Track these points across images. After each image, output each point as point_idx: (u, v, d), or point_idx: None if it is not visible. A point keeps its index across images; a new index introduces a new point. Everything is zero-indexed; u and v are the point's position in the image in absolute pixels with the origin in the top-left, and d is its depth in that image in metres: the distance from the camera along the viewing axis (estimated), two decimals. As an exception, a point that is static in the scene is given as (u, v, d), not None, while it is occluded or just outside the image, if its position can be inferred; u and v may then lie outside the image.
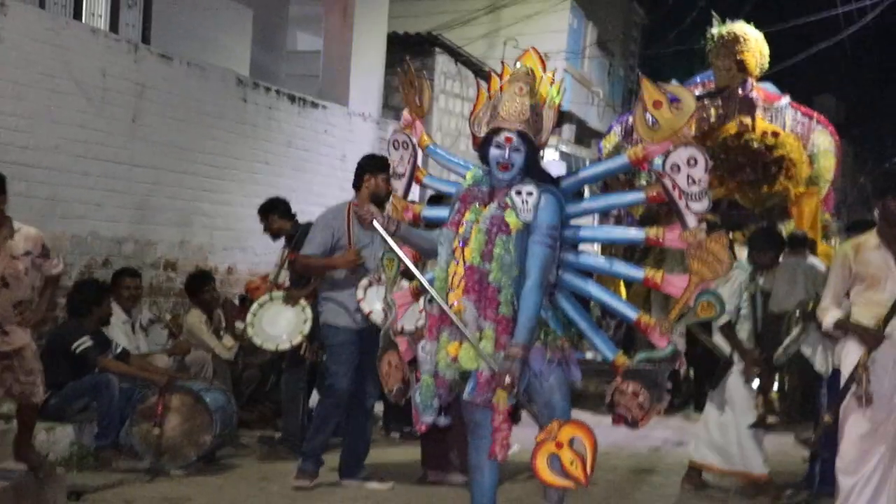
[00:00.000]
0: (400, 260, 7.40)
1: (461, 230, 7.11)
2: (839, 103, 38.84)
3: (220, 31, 15.01)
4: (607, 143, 16.34)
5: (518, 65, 7.34)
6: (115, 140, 11.39)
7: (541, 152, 7.37)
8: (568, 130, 26.31)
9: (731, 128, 14.46)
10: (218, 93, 12.76)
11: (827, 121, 15.31)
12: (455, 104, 21.12)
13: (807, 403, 11.94)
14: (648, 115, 7.05)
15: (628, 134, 15.48)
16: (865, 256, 8.04)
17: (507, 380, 6.80)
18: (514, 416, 7.09)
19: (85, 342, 10.03)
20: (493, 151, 7.01)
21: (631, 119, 14.37)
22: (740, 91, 14.61)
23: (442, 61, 20.91)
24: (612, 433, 9.01)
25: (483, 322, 7.01)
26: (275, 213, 11.16)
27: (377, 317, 8.69)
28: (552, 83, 7.35)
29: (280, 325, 10.15)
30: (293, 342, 10.12)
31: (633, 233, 7.86)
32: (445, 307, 7.00)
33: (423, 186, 8.07)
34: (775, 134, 14.27)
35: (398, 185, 7.94)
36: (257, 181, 12.52)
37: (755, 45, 14.89)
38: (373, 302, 8.80)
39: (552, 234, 7.00)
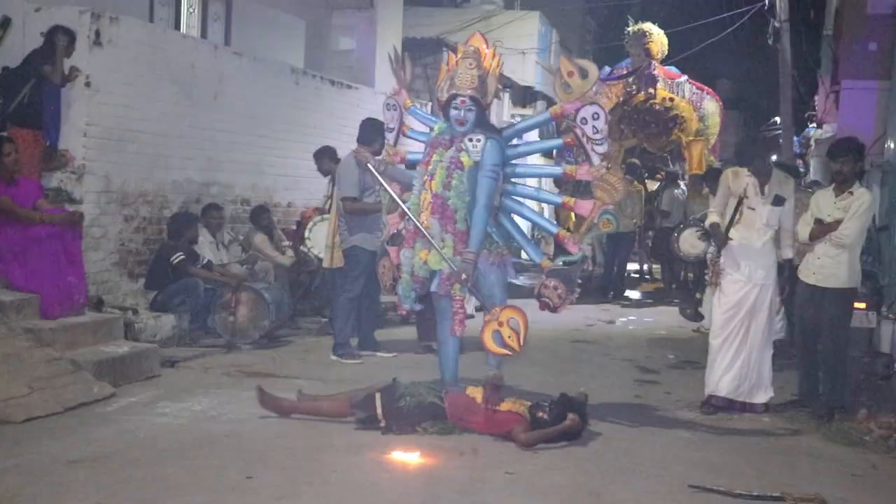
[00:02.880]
0: (388, 192, 7.46)
1: (429, 167, 7.17)
2: (733, 84, 39.35)
3: (282, 36, 15.07)
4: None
5: (468, 45, 7.33)
6: (201, 113, 11.47)
7: (487, 109, 7.36)
8: (540, 105, 26.15)
9: (641, 97, 14.72)
10: (276, 78, 12.80)
11: (714, 92, 15.63)
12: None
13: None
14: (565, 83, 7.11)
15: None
16: (740, 180, 7.99)
17: (463, 276, 6.96)
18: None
19: (179, 256, 10.23)
20: (452, 112, 7.12)
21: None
22: (647, 70, 14.59)
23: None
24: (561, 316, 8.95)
25: (445, 235, 7.13)
26: (325, 156, 11.17)
27: None
28: (493, 58, 7.32)
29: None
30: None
31: (554, 169, 7.85)
32: (418, 223, 7.09)
33: (407, 137, 8.05)
34: (671, 99, 14.67)
35: (390, 137, 8.04)
36: (307, 141, 12.51)
37: (657, 37, 15.17)
38: None
39: (495, 170, 7.12)
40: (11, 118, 9.16)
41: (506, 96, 21.60)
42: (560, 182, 12.83)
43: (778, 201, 7.86)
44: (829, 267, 7.85)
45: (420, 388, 6.95)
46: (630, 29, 15.40)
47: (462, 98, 7.17)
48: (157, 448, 6.09)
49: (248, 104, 12.22)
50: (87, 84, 9.73)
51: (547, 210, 16.02)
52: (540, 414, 6.74)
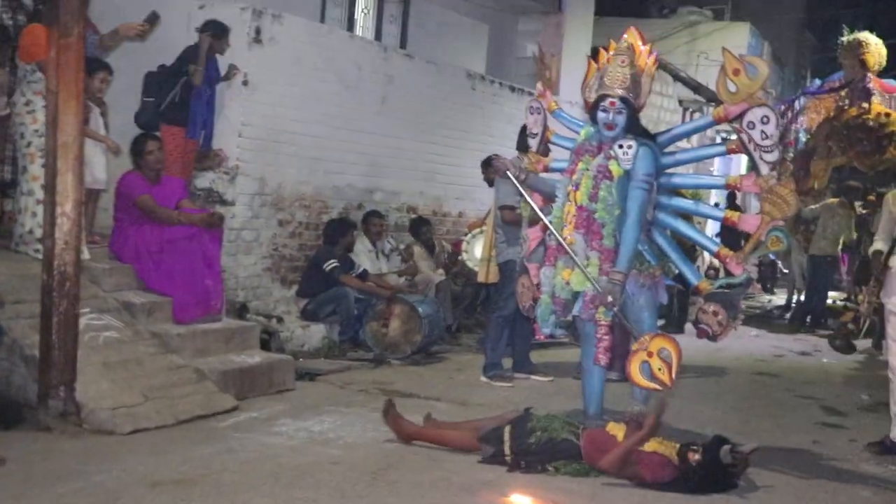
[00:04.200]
0: (529, 204, 6.71)
1: (574, 177, 6.34)
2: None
3: (463, 41, 14.48)
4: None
5: (622, 41, 6.47)
6: (366, 116, 10.93)
7: (640, 111, 6.50)
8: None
9: (853, 111, 13.10)
10: (450, 83, 12.17)
11: None
12: (655, 98, 19.68)
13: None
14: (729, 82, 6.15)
15: (780, 117, 14.20)
16: None
17: (609, 299, 6.07)
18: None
19: (332, 263, 9.76)
20: (601, 114, 6.27)
21: (782, 105, 13.34)
22: (861, 83, 13.13)
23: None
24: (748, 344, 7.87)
25: (590, 252, 6.28)
26: (491, 165, 10.42)
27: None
28: (648, 55, 6.42)
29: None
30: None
31: (716, 180, 6.88)
32: (560, 239, 6.26)
33: (551, 143, 7.26)
34: (887, 115, 12.88)
35: (532, 143, 7.23)
36: (483, 148, 11.78)
37: (874, 48, 13.44)
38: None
39: (648, 180, 6.23)
40: (163, 116, 8.87)
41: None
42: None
43: None
44: None
45: (555, 421, 6.09)
46: (844, 39, 14.10)
47: (612, 99, 6.33)
48: (253, 473, 5.48)
49: (419, 108, 11.67)
50: (245, 82, 9.35)
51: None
52: (691, 456, 5.78)
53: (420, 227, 11.26)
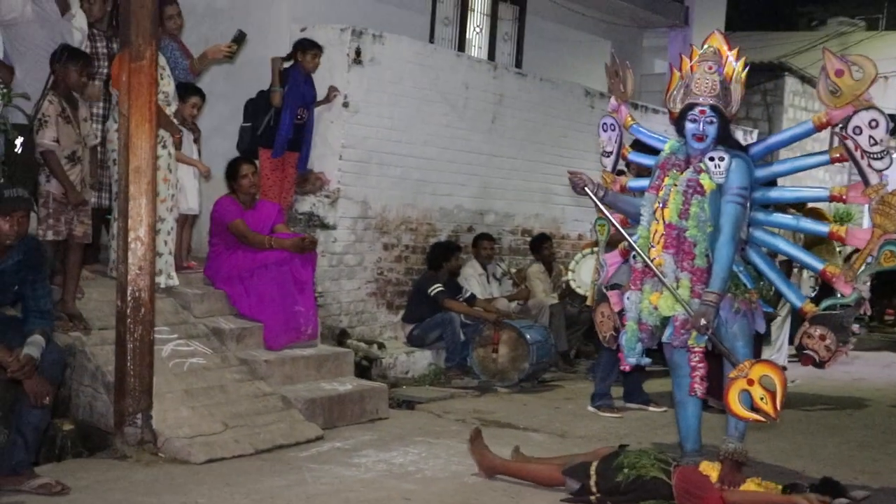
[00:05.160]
0: (610, 223, 6.24)
1: (661, 193, 5.91)
2: None
3: (583, 58, 13.91)
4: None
5: (706, 46, 5.99)
6: (476, 136, 10.66)
7: (732, 121, 6.01)
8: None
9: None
10: (567, 101, 11.78)
11: None
12: (801, 115, 18.75)
13: None
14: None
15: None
16: None
17: (702, 322, 5.59)
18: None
19: (437, 288, 9.48)
20: (689, 125, 5.81)
21: None
22: None
23: (790, 82, 19.03)
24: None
25: (680, 273, 5.80)
26: None
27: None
28: (737, 60, 5.91)
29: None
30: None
31: (818, 191, 6.28)
32: (647, 261, 5.85)
33: (628, 163, 6.82)
34: None
35: (607, 162, 6.88)
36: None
37: None
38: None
39: (742, 194, 5.72)
40: (259, 140, 8.78)
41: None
42: None
43: None
44: None
45: (646, 458, 5.61)
46: None
47: (701, 108, 5.83)
48: (315, 509, 5.23)
49: (533, 127, 11.32)
50: (346, 104, 9.18)
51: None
52: (797, 500, 5.25)
53: (541, 243, 10.81)
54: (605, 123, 6.85)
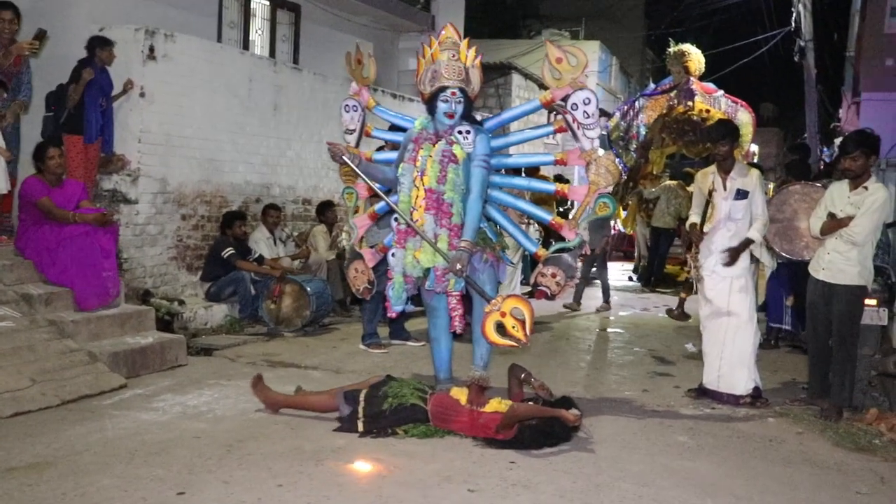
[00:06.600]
0: (358, 191, 5.96)
1: (418, 164, 5.56)
2: (775, 107, 36.63)
3: (351, 56, 13.31)
4: (612, 122, 14.52)
5: (447, 39, 5.74)
6: (260, 122, 10.05)
7: (474, 101, 5.87)
8: (602, 122, 24.52)
9: (680, 109, 12.57)
10: (336, 91, 11.27)
11: (747, 104, 13.31)
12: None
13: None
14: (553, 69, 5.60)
15: (623, 115, 13.71)
16: (706, 178, 6.57)
17: (458, 266, 5.36)
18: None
19: (229, 251, 8.84)
20: (441, 105, 5.54)
21: (625, 106, 12.84)
22: (686, 86, 12.62)
23: (516, 79, 19.47)
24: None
25: (439, 230, 5.57)
26: None
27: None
28: (468, 49, 5.71)
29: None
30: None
31: (545, 157, 6.19)
32: (409, 221, 5.51)
33: (372, 137, 6.54)
34: (707, 111, 12.36)
35: (350, 139, 6.51)
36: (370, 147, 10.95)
37: (695, 56, 12.84)
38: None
39: (486, 160, 5.53)
40: (63, 127, 7.90)
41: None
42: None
43: (740, 195, 6.35)
44: (839, 263, 6.03)
45: (405, 388, 5.35)
46: (670, 49, 13.63)
47: (452, 90, 5.60)
48: (112, 452, 4.65)
49: (308, 114, 10.80)
50: (142, 94, 8.41)
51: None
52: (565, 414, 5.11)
53: (325, 209, 10.31)
54: (347, 105, 6.51)
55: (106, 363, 6.32)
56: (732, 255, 6.31)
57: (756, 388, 6.40)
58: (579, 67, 5.55)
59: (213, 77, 9.25)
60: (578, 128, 5.56)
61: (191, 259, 9.12)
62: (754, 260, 6.81)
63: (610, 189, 5.73)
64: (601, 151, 5.63)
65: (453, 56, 5.62)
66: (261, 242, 9.54)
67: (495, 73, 19.28)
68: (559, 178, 11.65)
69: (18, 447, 4.69)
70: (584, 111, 5.53)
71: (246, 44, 11.31)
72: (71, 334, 6.49)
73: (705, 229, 6.44)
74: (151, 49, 8.44)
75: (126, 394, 6.00)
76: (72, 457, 4.54)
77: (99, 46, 7.96)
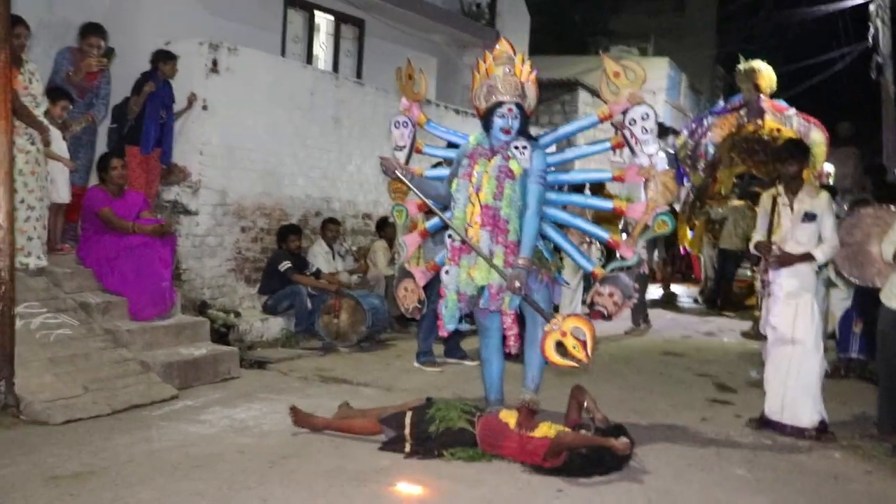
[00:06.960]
0: (407, 209, 5.90)
1: (473, 180, 5.46)
2: (851, 125, 35.53)
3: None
4: (679, 141, 14.26)
5: (502, 53, 5.65)
6: (321, 136, 10.06)
7: (530, 117, 5.77)
8: (671, 139, 24.13)
9: (750, 127, 12.33)
10: (398, 106, 11.07)
11: (820, 122, 12.97)
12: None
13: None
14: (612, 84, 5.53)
15: (692, 133, 13.44)
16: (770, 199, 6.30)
17: (517, 283, 5.24)
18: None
19: (286, 264, 8.83)
20: (498, 120, 5.44)
21: (694, 124, 12.63)
22: (756, 104, 12.31)
23: (583, 95, 19.10)
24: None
25: (494, 247, 5.45)
26: None
27: None
28: (523, 63, 5.61)
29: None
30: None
31: (602, 174, 6.03)
32: (464, 237, 5.44)
33: (423, 154, 6.44)
34: (778, 130, 12.08)
35: (400, 155, 6.41)
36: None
37: (766, 74, 12.64)
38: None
39: (543, 175, 5.40)
40: (126, 139, 8.05)
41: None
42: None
43: (807, 218, 6.01)
44: (914, 291, 5.74)
45: (453, 410, 5.22)
46: (740, 67, 13.31)
47: (509, 106, 5.51)
48: (155, 464, 4.64)
49: (370, 128, 10.74)
50: (205, 107, 8.52)
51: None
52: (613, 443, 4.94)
53: (385, 225, 10.28)
54: (397, 121, 6.46)
55: (159, 373, 6.36)
56: (785, 259, 6.02)
57: (822, 422, 6.11)
58: (637, 82, 5.41)
59: (275, 90, 9.33)
60: (636, 143, 5.41)
61: (249, 271, 9.18)
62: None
63: (667, 207, 5.57)
64: (660, 167, 5.47)
65: (509, 71, 5.53)
66: (319, 256, 9.56)
67: (561, 89, 19.09)
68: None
69: (66, 455, 4.72)
70: (643, 127, 5.38)
71: (310, 58, 11.40)
72: (126, 343, 6.56)
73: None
74: (214, 62, 8.55)
75: (176, 405, 6.02)
76: (115, 467, 4.54)
77: (162, 60, 8.10)
